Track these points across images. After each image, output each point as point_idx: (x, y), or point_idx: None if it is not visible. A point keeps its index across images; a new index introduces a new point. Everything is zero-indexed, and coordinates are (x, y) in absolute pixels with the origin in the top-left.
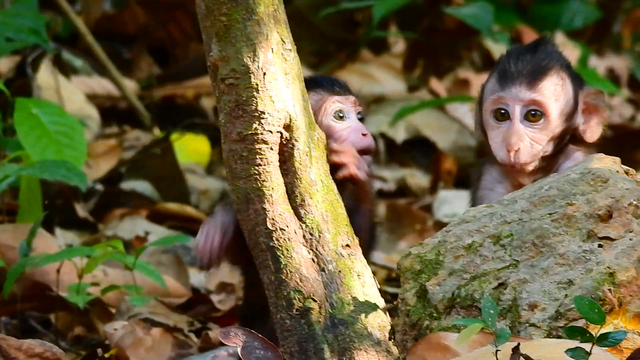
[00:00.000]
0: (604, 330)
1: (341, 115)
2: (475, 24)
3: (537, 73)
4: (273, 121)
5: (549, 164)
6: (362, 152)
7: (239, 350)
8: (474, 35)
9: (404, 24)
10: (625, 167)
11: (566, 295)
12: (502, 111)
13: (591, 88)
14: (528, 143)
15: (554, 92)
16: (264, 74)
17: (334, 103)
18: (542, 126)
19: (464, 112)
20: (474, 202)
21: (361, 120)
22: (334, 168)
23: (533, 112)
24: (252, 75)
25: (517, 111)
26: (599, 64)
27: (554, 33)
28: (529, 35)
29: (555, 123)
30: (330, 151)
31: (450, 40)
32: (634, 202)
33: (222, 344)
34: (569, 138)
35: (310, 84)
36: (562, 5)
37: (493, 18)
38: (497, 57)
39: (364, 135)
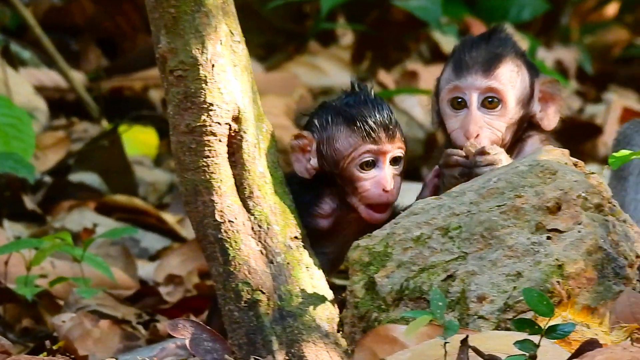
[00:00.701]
0: (552, 323)
1: (368, 164)
2: (424, 16)
3: (492, 60)
4: (221, 113)
5: (508, 153)
6: (377, 207)
7: (187, 342)
8: (422, 27)
9: (352, 16)
10: (574, 159)
11: (515, 287)
12: (459, 100)
13: (547, 76)
14: (486, 129)
15: (509, 79)
16: (213, 65)
17: (364, 154)
18: (500, 113)
19: (412, 104)
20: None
21: (397, 161)
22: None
23: (490, 99)
24: (200, 67)
25: (474, 99)
26: (547, 56)
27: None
28: (478, 28)
29: (512, 110)
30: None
31: (399, 32)
32: (583, 195)
33: (170, 336)
34: (526, 126)
35: (347, 118)
36: None
37: (441, 10)
38: (446, 49)
39: (385, 191)
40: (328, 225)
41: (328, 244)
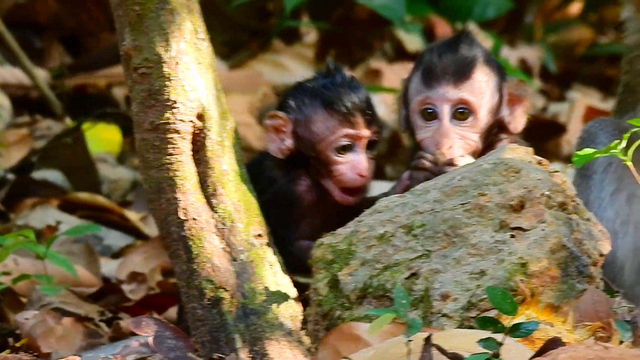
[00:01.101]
0: (516, 321)
1: (345, 149)
2: (388, 14)
3: (463, 71)
4: (185, 110)
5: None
6: (352, 190)
7: (150, 339)
8: (386, 25)
9: (316, 14)
10: (538, 158)
11: (478, 285)
12: (430, 111)
13: (514, 79)
14: (459, 141)
15: (480, 89)
16: (177, 63)
17: (342, 138)
18: (471, 124)
19: (376, 102)
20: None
21: (372, 145)
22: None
23: (461, 111)
24: (164, 64)
25: (445, 111)
26: (511, 55)
27: (466, 23)
28: (441, 26)
29: (483, 119)
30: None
31: (362, 30)
32: (546, 193)
33: (133, 334)
34: (495, 130)
35: (331, 102)
36: None
37: (405, 9)
38: (409, 47)
39: (361, 175)
40: (310, 199)
41: (306, 227)
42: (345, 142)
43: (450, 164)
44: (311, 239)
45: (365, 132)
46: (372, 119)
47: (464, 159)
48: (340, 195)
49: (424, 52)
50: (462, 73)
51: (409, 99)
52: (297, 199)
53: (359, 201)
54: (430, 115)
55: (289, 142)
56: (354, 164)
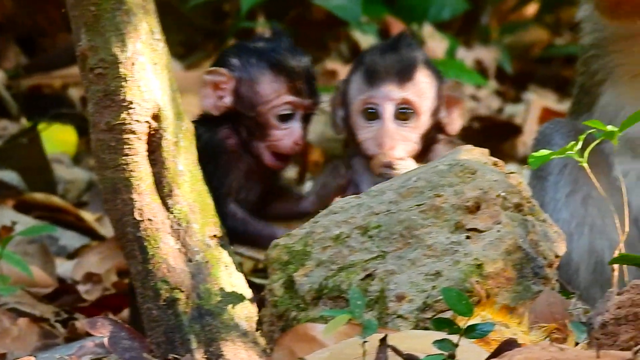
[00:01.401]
0: (471, 322)
1: (286, 116)
2: (343, 15)
3: (406, 71)
4: (141, 111)
5: (418, 159)
6: (282, 157)
7: (105, 340)
8: (342, 26)
9: (272, 14)
10: (494, 159)
11: (434, 286)
12: (372, 110)
13: (450, 80)
14: (401, 141)
15: (422, 90)
16: (133, 64)
17: (285, 105)
18: (414, 124)
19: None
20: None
21: (308, 118)
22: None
23: (403, 111)
24: (120, 65)
25: (388, 110)
26: (466, 56)
27: (422, 24)
28: (397, 27)
29: (425, 120)
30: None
31: (318, 31)
32: (502, 194)
33: (88, 334)
34: (433, 132)
35: (278, 66)
36: None
37: (361, 9)
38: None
39: (296, 144)
40: (235, 150)
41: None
42: (287, 109)
43: (389, 166)
44: (239, 203)
45: (307, 102)
46: (315, 89)
47: (405, 163)
48: (271, 159)
49: (363, 53)
50: (405, 73)
51: (349, 100)
52: (222, 148)
53: (285, 167)
54: (372, 115)
55: (227, 100)
56: (292, 132)
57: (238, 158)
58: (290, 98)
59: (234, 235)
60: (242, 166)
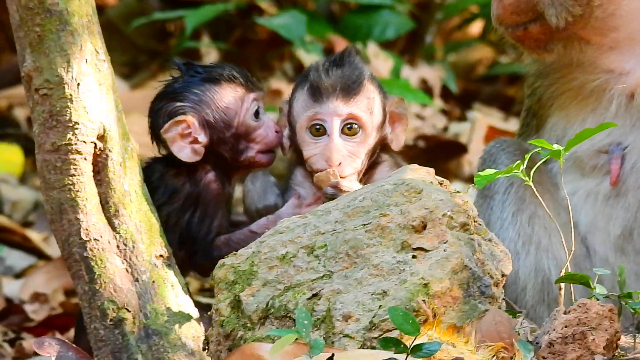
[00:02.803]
0: (418, 341)
1: (257, 113)
2: (287, 34)
3: (352, 87)
4: (87, 131)
5: (363, 176)
6: (269, 150)
7: None
8: (286, 45)
9: (216, 34)
10: (440, 178)
11: (380, 306)
12: (318, 127)
13: (394, 97)
14: (348, 158)
15: (367, 105)
16: (78, 84)
17: (253, 101)
18: (361, 139)
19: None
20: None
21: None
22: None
23: (349, 126)
24: (66, 85)
25: (335, 126)
26: (411, 75)
27: (367, 43)
28: (341, 46)
29: (371, 135)
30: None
31: (263, 50)
32: (448, 213)
33: (36, 354)
34: (379, 149)
35: (224, 77)
36: (374, 15)
37: (305, 29)
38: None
39: (277, 132)
40: (219, 189)
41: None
42: (255, 105)
43: (336, 187)
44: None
45: (262, 93)
46: (253, 79)
47: (350, 184)
48: (264, 158)
49: (308, 70)
50: (351, 88)
51: (294, 117)
52: (208, 195)
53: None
54: (319, 131)
55: (202, 138)
56: (268, 124)
57: (220, 197)
58: (254, 94)
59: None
60: (222, 201)
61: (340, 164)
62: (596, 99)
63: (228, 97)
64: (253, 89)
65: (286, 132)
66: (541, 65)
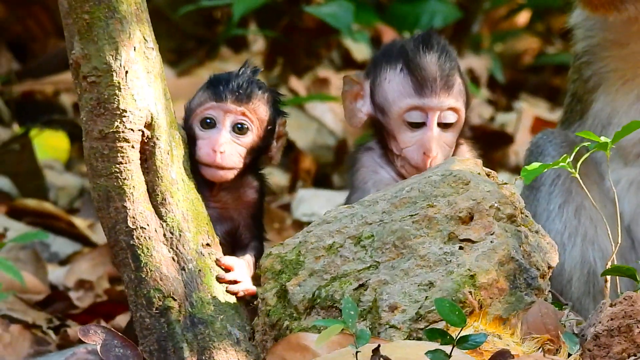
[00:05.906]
0: (464, 333)
1: (209, 122)
2: (335, 23)
3: (450, 77)
4: (134, 119)
5: None
6: (206, 164)
7: (98, 347)
8: (333, 34)
9: (264, 22)
10: (487, 170)
11: (426, 297)
12: (416, 117)
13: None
14: (444, 148)
15: (461, 94)
16: (126, 72)
17: (205, 110)
18: (455, 129)
19: (323, 111)
20: (354, 187)
21: (240, 130)
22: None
23: (447, 117)
24: (114, 73)
25: (435, 118)
26: None
27: (413, 33)
28: (389, 35)
29: (462, 123)
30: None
31: (310, 39)
32: (495, 205)
33: (80, 342)
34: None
35: (209, 83)
36: (422, 4)
37: (352, 17)
38: (356, 56)
39: (213, 151)
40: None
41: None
42: (208, 115)
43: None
44: None
45: (233, 108)
46: (244, 98)
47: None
48: (203, 168)
49: (398, 49)
50: (450, 80)
51: (384, 98)
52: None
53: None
54: (417, 123)
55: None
56: (209, 140)
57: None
58: (211, 104)
59: None
60: None
61: (436, 155)
62: None
63: (195, 98)
64: (218, 99)
65: (363, 105)
66: (589, 45)
